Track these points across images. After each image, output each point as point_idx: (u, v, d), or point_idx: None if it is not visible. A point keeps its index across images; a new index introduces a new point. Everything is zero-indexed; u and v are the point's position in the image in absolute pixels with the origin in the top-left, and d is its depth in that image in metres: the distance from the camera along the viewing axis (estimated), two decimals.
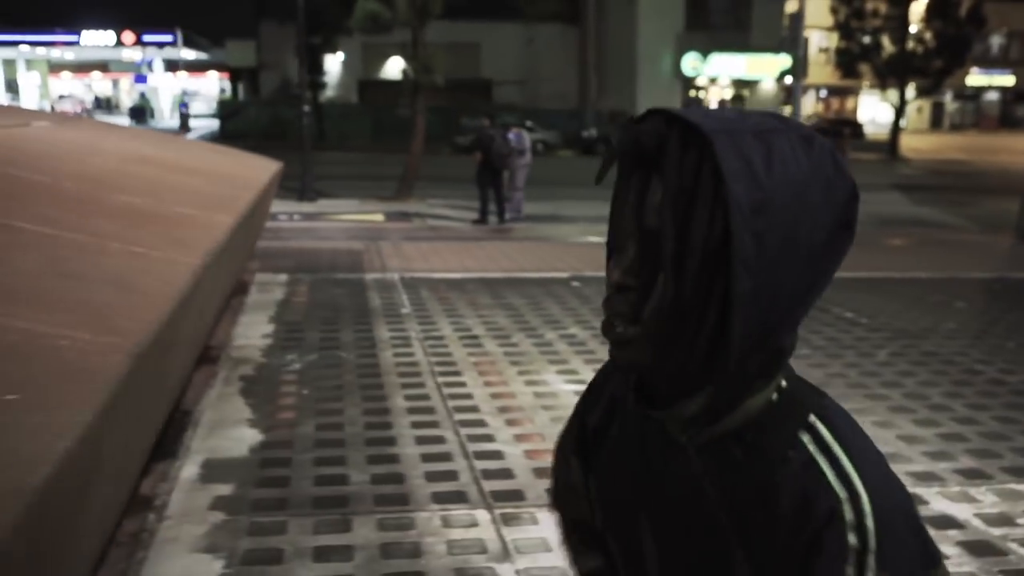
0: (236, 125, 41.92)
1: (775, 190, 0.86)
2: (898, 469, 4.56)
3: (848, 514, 0.87)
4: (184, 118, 47.83)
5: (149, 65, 55.65)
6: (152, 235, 4.25)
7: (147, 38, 51.03)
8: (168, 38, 51.60)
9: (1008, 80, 54.18)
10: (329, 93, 45.04)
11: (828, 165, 0.89)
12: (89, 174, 5.48)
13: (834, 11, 38.34)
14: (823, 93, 54.41)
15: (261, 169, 9.68)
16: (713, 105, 43.66)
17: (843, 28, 38.07)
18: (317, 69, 39.02)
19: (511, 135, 14.68)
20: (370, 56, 47.30)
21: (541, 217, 15.31)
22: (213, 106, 62.04)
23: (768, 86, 43.20)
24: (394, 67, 50.57)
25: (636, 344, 0.93)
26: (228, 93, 62.41)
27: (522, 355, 6.58)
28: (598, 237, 12.63)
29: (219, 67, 62.28)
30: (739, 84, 43.06)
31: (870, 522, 0.87)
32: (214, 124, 47.96)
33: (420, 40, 16.77)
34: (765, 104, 43.35)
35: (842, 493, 0.88)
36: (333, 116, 42.45)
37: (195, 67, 64.22)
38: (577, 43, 48.46)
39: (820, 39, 49.25)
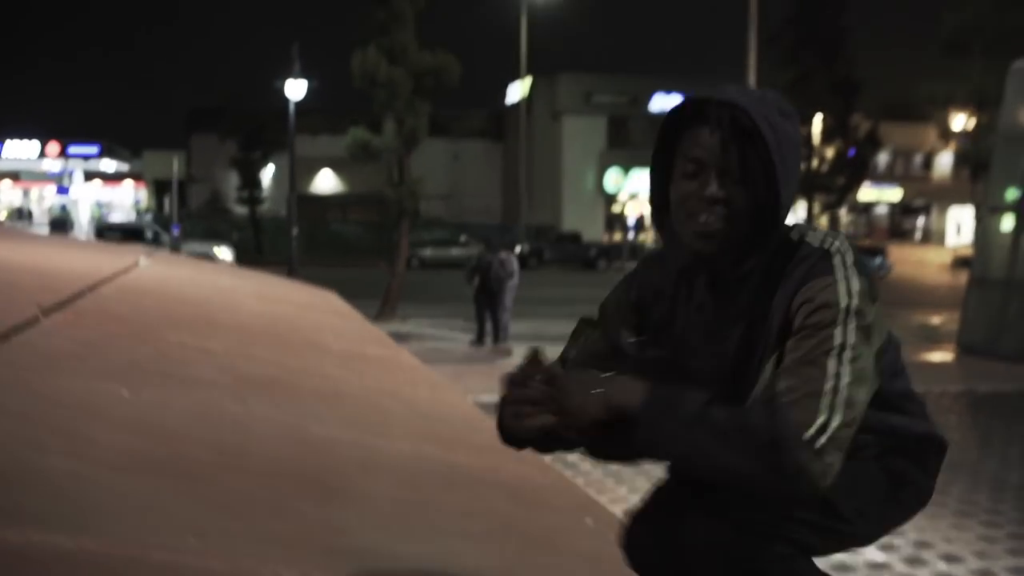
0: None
1: (789, 142, 1.56)
2: None
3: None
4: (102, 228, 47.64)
5: (70, 176, 55.46)
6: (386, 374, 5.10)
7: (72, 149, 51.04)
8: (93, 149, 51.78)
9: (896, 194, 58.39)
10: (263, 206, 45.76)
11: (797, 125, 1.61)
12: (247, 310, 6.30)
13: None
14: None
15: (305, 291, 10.50)
16: (631, 220, 46.05)
17: None
18: (255, 183, 39.85)
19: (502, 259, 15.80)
20: (300, 170, 48.28)
21: (527, 336, 16.35)
22: (132, 217, 61.85)
23: None
24: (324, 181, 51.69)
25: (719, 234, 1.56)
26: (143, 204, 62.36)
27: None
28: None
29: (136, 177, 62.38)
30: None
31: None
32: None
33: (406, 166, 17.91)
34: None
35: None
36: (269, 230, 43.16)
37: (111, 177, 64.15)
38: (502, 159, 50.60)
39: None
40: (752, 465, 1.46)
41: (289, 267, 19.02)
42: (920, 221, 59.23)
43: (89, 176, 57.64)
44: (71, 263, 7.41)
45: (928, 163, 58.00)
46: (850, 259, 1.57)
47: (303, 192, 49.19)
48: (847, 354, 1.50)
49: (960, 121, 45.34)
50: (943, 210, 56.81)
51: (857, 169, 39.79)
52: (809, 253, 1.59)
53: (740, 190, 1.57)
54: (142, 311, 5.06)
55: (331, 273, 25.30)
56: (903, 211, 59.64)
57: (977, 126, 39.69)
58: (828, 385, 1.48)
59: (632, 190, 44.46)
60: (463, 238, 39.81)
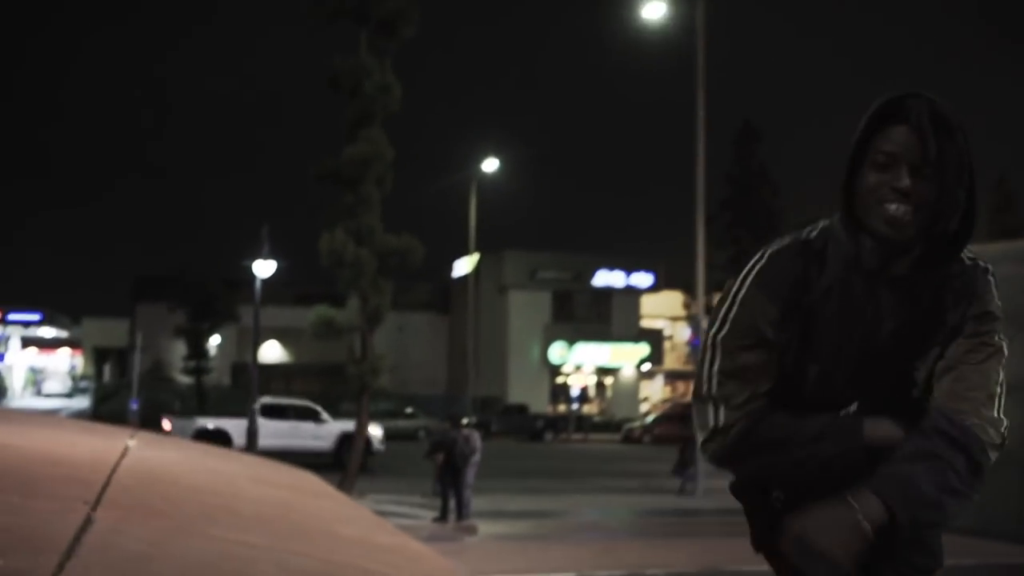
0: (111, 407, 41.38)
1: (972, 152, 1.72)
2: None
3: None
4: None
5: (6, 342, 54.62)
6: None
7: (13, 316, 50.51)
8: (35, 317, 51.27)
9: None
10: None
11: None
12: (246, 495, 6.45)
13: (687, 306, 42.64)
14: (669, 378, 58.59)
15: (285, 471, 10.56)
16: (576, 391, 46.68)
17: (693, 320, 42.25)
18: (203, 353, 39.71)
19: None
20: (247, 340, 48.31)
21: (488, 513, 16.39)
22: (67, 384, 60.63)
23: (628, 372, 46.59)
24: (269, 351, 51.61)
25: (909, 225, 1.67)
26: (79, 371, 61.30)
27: None
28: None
29: (73, 344, 61.56)
30: (602, 371, 46.29)
31: None
32: (71, 404, 46.97)
33: (369, 342, 18.27)
34: (627, 389, 46.63)
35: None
36: (213, 399, 42.66)
37: (47, 344, 63.22)
38: (447, 331, 51.25)
39: (668, 327, 53.77)
40: (970, 480, 1.69)
41: (249, 441, 19.00)
42: None
43: (26, 343, 56.81)
44: (63, 446, 7.46)
45: None
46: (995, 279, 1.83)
47: (246, 360, 49.09)
48: (1003, 359, 1.77)
49: None
50: None
51: None
52: (967, 267, 1.79)
53: (930, 186, 1.68)
54: (173, 502, 5.22)
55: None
56: None
57: None
58: (997, 389, 1.75)
59: (576, 362, 45.21)
60: (409, 410, 39.82)
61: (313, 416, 25.28)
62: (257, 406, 22.75)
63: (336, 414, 42.13)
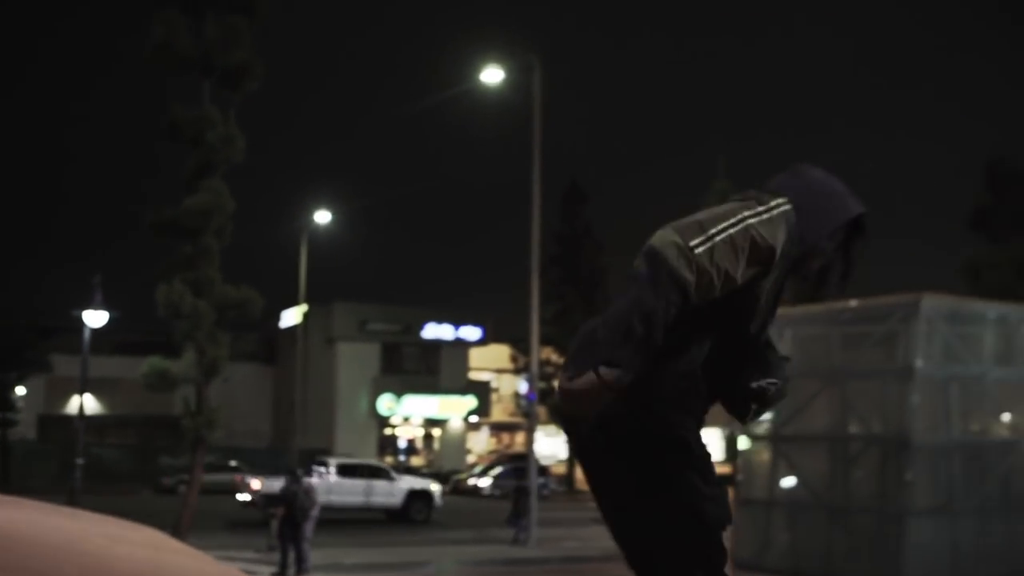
0: None
1: None
2: None
3: None
4: None
5: None
6: None
7: None
8: None
9: None
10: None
11: None
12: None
13: (514, 359, 43.61)
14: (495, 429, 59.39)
15: (132, 528, 10.39)
16: (403, 443, 46.63)
17: (521, 371, 43.23)
18: (9, 405, 37.34)
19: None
20: (56, 391, 45.80)
21: (325, 567, 16.37)
22: None
23: (456, 424, 47.01)
24: (84, 402, 48.93)
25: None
26: None
27: None
28: None
29: None
30: (430, 423, 46.52)
31: None
32: None
33: (205, 395, 17.97)
34: (454, 441, 46.99)
35: None
36: (19, 454, 40.11)
37: None
38: (272, 382, 50.20)
39: (494, 380, 54.64)
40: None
41: (71, 496, 18.16)
42: None
43: None
44: None
45: None
46: None
47: (59, 413, 46.39)
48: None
49: None
50: None
51: None
52: None
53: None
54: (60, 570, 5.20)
55: (96, 501, 24.00)
56: None
57: None
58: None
59: (405, 413, 45.28)
60: (233, 463, 38.78)
61: (384, 475, 27.20)
62: (333, 466, 26.57)
63: (157, 468, 40.54)
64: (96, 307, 17.95)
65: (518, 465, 38.25)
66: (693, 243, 2.12)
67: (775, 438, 14.70)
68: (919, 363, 12.77)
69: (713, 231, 2.16)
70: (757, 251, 2.21)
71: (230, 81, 18.43)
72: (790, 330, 14.92)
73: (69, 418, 46.40)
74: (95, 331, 44.44)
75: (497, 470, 39.77)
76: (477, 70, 22.24)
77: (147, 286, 17.46)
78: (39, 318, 36.74)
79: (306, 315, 40.67)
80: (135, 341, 45.89)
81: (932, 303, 13.09)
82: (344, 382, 44.40)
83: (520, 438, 61.55)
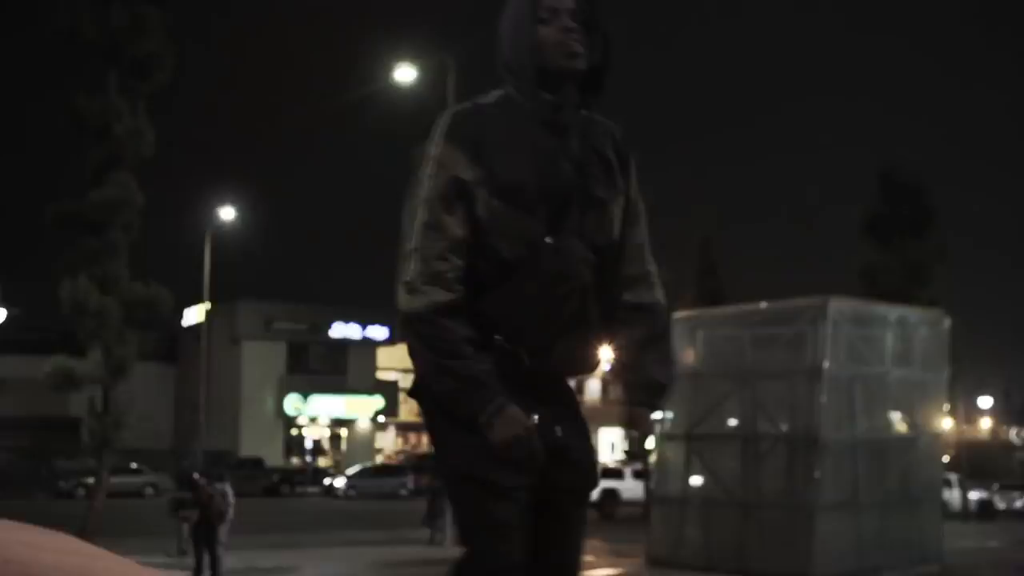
0: None
1: None
2: None
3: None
4: None
5: None
6: None
7: None
8: None
9: None
10: None
11: None
12: None
13: None
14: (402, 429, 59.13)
15: (36, 532, 10.04)
16: (309, 444, 46.00)
17: None
18: None
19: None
20: None
21: (241, 571, 16.06)
22: None
23: (364, 424, 46.62)
24: None
25: (582, 55, 2.15)
26: None
27: None
28: None
29: None
30: (338, 423, 46.01)
31: None
32: None
33: (112, 396, 17.44)
34: (362, 441, 46.57)
35: None
36: None
37: None
38: (174, 382, 48.93)
39: (402, 379, 54.39)
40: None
41: None
42: None
43: None
44: None
45: (580, 388, 63.88)
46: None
47: None
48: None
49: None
50: (594, 431, 62.20)
51: None
52: (609, 123, 2.30)
53: (581, 27, 2.13)
54: None
55: None
56: None
57: None
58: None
59: (312, 413, 44.69)
60: (134, 465, 37.67)
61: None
62: None
63: (53, 472, 39.03)
64: None
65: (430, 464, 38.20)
66: (407, 277, 2.07)
67: (688, 436, 15.02)
68: (827, 363, 13.23)
69: (411, 245, 2.07)
70: (447, 203, 2.08)
71: (139, 72, 17.92)
72: (701, 331, 15.30)
73: None
74: None
75: (353, 469, 39.49)
76: (391, 69, 22.08)
77: (40, 281, 16.90)
78: None
79: (209, 313, 39.76)
80: (25, 339, 44.15)
81: (838, 306, 13.58)
82: (249, 382, 43.60)
83: (427, 438, 61.51)
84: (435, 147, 2.09)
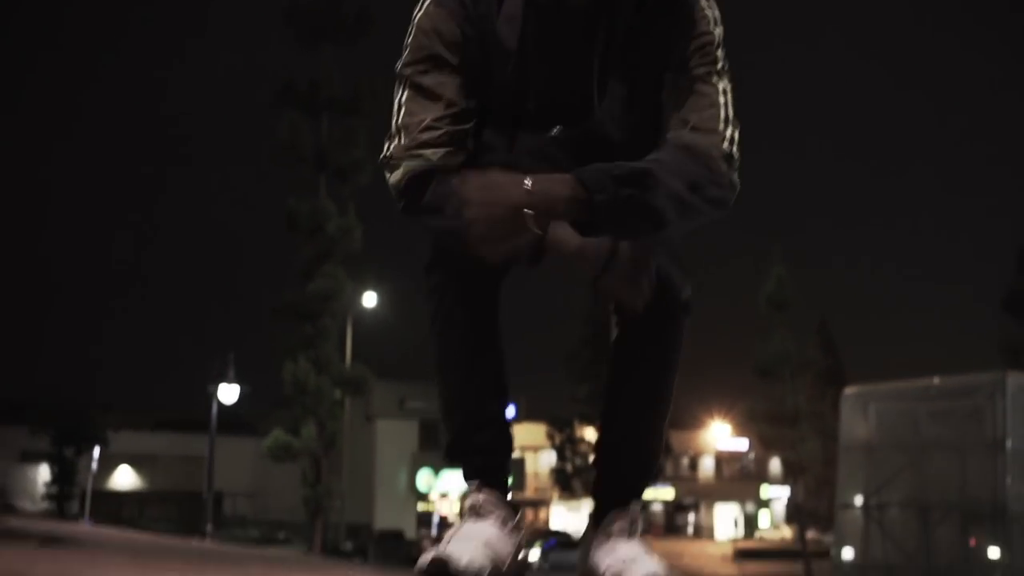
0: None
1: None
2: None
3: None
4: None
5: None
6: None
7: None
8: None
9: (669, 493, 63.41)
10: None
11: None
12: None
13: (550, 436, 44.84)
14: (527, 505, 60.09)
15: None
16: (436, 519, 47.37)
17: (559, 450, 44.54)
18: (69, 479, 38.27)
19: None
20: (104, 465, 46.61)
21: None
22: None
23: None
24: (122, 477, 49.76)
25: None
26: None
27: None
28: None
29: None
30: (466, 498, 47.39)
31: None
32: None
33: (323, 467, 19.21)
34: None
35: None
36: None
37: None
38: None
39: (530, 457, 55.68)
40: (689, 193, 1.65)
41: None
42: (691, 517, 64.23)
43: None
44: None
45: (694, 464, 63.95)
46: None
47: (101, 488, 47.11)
48: (729, 92, 1.84)
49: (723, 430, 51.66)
50: (709, 507, 62.17)
51: None
52: None
53: None
54: None
55: None
56: (676, 508, 64.50)
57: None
58: (728, 128, 1.79)
59: (443, 488, 46.23)
60: (282, 535, 39.49)
61: None
62: None
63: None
64: (228, 381, 19.21)
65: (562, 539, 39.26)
66: (386, 153, 1.78)
67: (866, 506, 16.04)
68: (1009, 439, 14.19)
69: (395, 122, 1.79)
70: (434, 66, 1.77)
71: (343, 176, 20.11)
72: (873, 405, 16.40)
73: (110, 492, 47.22)
74: (136, 410, 45.32)
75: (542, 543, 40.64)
76: None
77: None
78: (97, 394, 37.86)
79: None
80: (172, 419, 47.10)
81: (1017, 380, 14.57)
82: (383, 459, 45.43)
83: (543, 514, 62.46)
84: (419, 10, 1.81)
